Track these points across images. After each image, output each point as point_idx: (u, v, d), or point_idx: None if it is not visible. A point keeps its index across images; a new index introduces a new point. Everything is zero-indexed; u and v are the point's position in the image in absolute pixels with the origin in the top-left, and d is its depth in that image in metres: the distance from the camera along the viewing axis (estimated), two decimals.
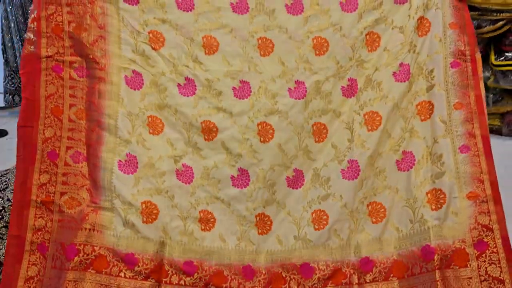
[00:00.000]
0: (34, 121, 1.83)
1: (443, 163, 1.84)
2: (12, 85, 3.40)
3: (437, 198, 1.81)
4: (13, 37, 3.23)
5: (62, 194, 1.80)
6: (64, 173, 1.82)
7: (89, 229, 1.74)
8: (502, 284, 1.64)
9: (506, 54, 2.76)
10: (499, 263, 1.68)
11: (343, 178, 1.91)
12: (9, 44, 3.27)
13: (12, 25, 3.20)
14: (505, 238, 1.70)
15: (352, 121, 1.95)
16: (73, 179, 1.82)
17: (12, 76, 3.38)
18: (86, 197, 1.80)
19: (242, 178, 1.94)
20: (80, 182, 1.81)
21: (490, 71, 2.87)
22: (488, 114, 3.04)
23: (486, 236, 1.72)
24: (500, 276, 1.66)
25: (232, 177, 1.94)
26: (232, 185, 1.94)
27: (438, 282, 1.66)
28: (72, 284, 1.66)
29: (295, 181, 1.94)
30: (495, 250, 1.69)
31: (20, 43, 3.17)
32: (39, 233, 1.76)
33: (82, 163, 1.84)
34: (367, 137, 1.93)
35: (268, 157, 1.95)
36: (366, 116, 1.95)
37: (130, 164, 1.86)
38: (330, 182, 1.91)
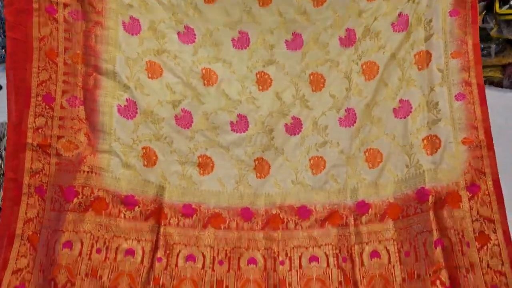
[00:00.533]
0: (27, 63, 1.77)
1: (439, 110, 1.86)
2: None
3: (433, 143, 1.85)
4: None
5: (59, 137, 1.77)
6: (61, 117, 1.78)
7: (87, 172, 1.73)
8: (492, 223, 1.70)
9: (511, 2, 2.69)
10: (490, 204, 1.73)
11: (340, 126, 1.94)
12: None
13: None
14: (496, 181, 1.75)
15: (350, 70, 1.96)
16: (70, 122, 1.79)
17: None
18: (83, 140, 1.78)
19: (241, 123, 1.95)
20: (77, 126, 1.79)
21: (494, 20, 2.81)
22: (489, 66, 3.05)
23: (478, 179, 1.76)
24: (490, 216, 1.71)
25: (231, 123, 1.95)
26: (231, 130, 1.95)
27: (432, 222, 1.71)
28: (72, 225, 1.67)
29: (293, 128, 1.96)
30: (486, 192, 1.74)
31: None
32: (36, 176, 1.75)
33: (79, 107, 1.80)
34: (364, 86, 1.95)
35: (267, 104, 1.97)
36: (364, 66, 1.96)
37: (129, 109, 1.84)
38: (328, 130, 1.94)
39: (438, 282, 1.60)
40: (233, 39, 1.98)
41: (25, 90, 1.77)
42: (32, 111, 1.76)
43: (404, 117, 1.91)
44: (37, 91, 1.77)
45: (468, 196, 1.75)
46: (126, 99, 1.83)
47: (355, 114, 1.92)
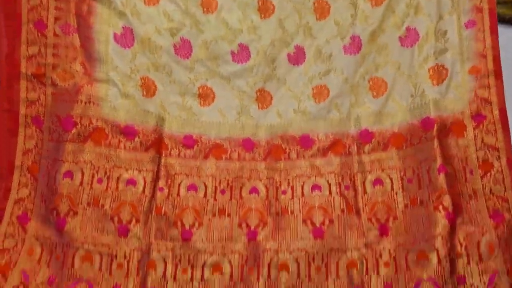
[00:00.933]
0: None
1: (448, 39, 1.81)
2: None
3: (439, 73, 1.80)
4: None
5: (54, 66, 1.70)
6: (54, 45, 1.71)
7: (85, 102, 1.69)
8: (496, 151, 1.68)
9: None
10: (495, 133, 1.71)
11: (344, 53, 1.88)
12: None
13: None
14: (502, 110, 1.72)
15: None
16: (64, 51, 1.72)
17: None
18: (79, 70, 1.72)
19: (242, 53, 1.89)
20: (71, 54, 1.72)
21: None
22: (501, 2, 2.91)
23: (484, 108, 1.73)
24: (495, 144, 1.69)
25: (232, 53, 1.88)
26: (232, 61, 1.89)
27: (436, 150, 1.69)
28: (71, 155, 1.65)
29: (296, 58, 1.90)
30: (492, 121, 1.72)
31: None
32: (32, 106, 1.70)
33: (73, 35, 1.73)
34: (370, 12, 1.87)
35: (269, 33, 1.90)
36: None
37: (126, 37, 1.77)
38: (332, 58, 1.88)
39: (440, 207, 1.60)
40: None
41: (16, 17, 1.69)
42: (24, 39, 1.69)
43: (411, 46, 1.85)
44: (28, 17, 1.69)
45: (473, 125, 1.72)
46: (122, 27, 1.76)
47: (360, 41, 1.85)
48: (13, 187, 1.65)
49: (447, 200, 1.60)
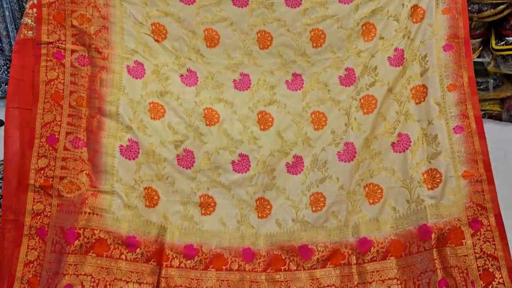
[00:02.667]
0: (33, 105, 1.82)
1: (439, 143, 1.87)
2: (8, 75, 3.36)
3: (433, 177, 1.84)
4: (8, 25, 3.19)
5: (61, 178, 1.78)
6: (64, 158, 1.81)
7: (89, 213, 1.73)
8: (496, 261, 1.68)
9: (507, 38, 2.77)
10: (493, 240, 1.71)
11: (339, 160, 1.93)
12: (4, 33, 3.22)
13: (7, 13, 3.15)
14: (498, 216, 1.74)
15: (349, 106, 1.99)
16: (73, 163, 1.80)
17: (8, 65, 3.32)
18: (85, 181, 1.79)
19: (242, 163, 1.96)
20: (79, 167, 1.81)
21: (491, 55, 2.86)
22: (488, 99, 3.07)
23: (480, 214, 1.75)
24: (494, 253, 1.69)
25: (233, 162, 1.96)
26: (233, 170, 1.96)
27: (435, 261, 1.68)
28: (72, 267, 1.64)
29: (295, 167, 1.97)
30: (489, 228, 1.73)
31: (15, 32, 3.13)
32: (38, 217, 1.75)
33: (82, 148, 1.83)
34: (363, 120, 1.96)
35: (268, 144, 1.99)
36: (362, 100, 1.98)
37: (131, 149, 1.86)
38: (327, 165, 1.94)
39: None
40: (234, 81, 2.04)
41: (30, 131, 1.81)
42: (35, 152, 1.79)
43: (403, 151, 1.91)
44: (42, 131, 1.80)
45: (470, 232, 1.73)
46: (129, 139, 1.86)
47: (354, 148, 1.92)
48: None
49: None
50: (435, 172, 1.84)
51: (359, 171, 1.92)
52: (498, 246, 1.69)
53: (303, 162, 1.96)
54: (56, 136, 1.81)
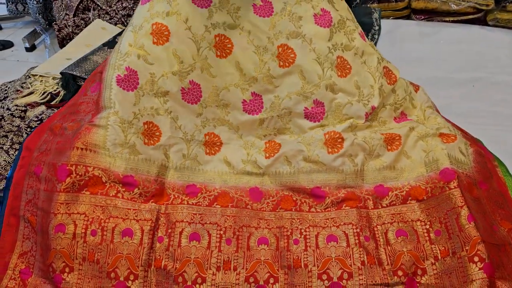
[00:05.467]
0: None
1: None
2: None
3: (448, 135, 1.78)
4: None
5: (72, 120, 1.77)
6: (80, 103, 1.83)
7: (82, 149, 1.57)
8: None
9: None
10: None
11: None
12: None
13: None
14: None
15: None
16: (85, 106, 1.79)
17: None
18: (88, 120, 1.69)
19: (254, 104, 1.81)
20: (89, 108, 1.78)
21: None
22: None
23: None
24: None
25: (244, 102, 1.80)
26: (243, 110, 1.81)
27: (462, 197, 1.52)
28: (64, 206, 1.48)
29: (314, 114, 1.81)
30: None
31: None
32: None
33: (97, 92, 1.79)
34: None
35: (286, 85, 1.80)
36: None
37: (129, 79, 1.70)
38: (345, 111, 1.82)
39: (476, 258, 1.39)
40: (254, 5, 1.81)
41: None
42: None
43: None
44: None
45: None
46: (126, 68, 1.70)
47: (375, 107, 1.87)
48: (18, 239, 1.54)
49: (482, 250, 1.39)
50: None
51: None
52: None
53: (324, 110, 1.80)
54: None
